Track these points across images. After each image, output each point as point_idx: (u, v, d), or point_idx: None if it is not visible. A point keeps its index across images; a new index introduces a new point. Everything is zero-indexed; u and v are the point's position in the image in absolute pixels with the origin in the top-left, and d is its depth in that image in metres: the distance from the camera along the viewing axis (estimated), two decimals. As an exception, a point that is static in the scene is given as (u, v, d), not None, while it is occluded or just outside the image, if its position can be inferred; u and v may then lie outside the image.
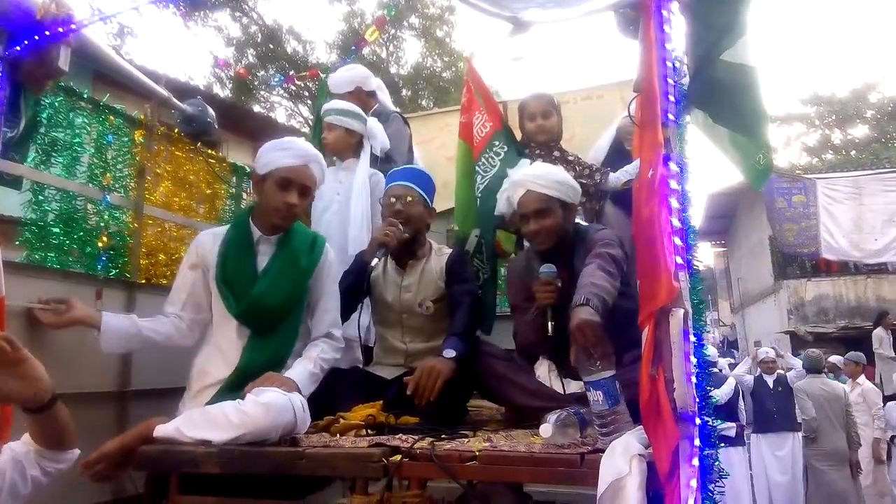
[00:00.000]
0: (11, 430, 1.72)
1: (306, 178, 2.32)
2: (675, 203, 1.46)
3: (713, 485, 1.74)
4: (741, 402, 7.42)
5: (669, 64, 1.50)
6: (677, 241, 1.44)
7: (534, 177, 2.53)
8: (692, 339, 1.43)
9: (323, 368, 2.33)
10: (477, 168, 3.33)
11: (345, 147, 3.25)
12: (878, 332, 9.77)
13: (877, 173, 13.65)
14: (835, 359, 8.74)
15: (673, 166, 1.47)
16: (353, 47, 4.46)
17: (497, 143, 3.31)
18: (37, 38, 1.99)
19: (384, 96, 3.75)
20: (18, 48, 1.99)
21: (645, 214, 1.46)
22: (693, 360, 1.43)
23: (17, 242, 2.21)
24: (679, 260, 1.44)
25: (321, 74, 4.10)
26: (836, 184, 13.15)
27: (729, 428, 7.02)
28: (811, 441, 6.70)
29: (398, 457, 1.77)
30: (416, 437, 1.91)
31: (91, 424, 2.30)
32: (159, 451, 1.91)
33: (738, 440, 7.16)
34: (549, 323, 2.30)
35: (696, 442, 1.40)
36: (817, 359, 7.38)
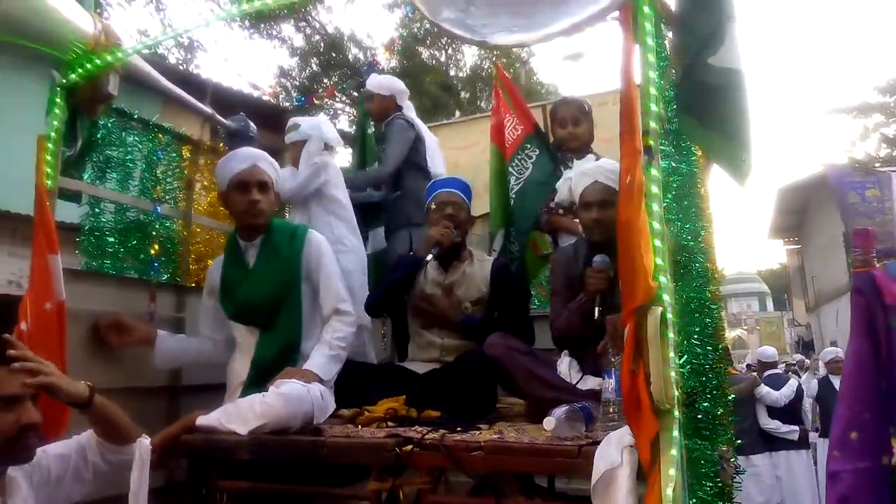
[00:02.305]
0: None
1: (259, 174, 2.52)
2: (655, 207, 1.54)
3: (715, 476, 1.82)
4: (805, 404, 7.14)
5: (652, 74, 1.58)
6: (656, 242, 1.51)
7: (603, 169, 2.65)
8: (671, 336, 1.50)
9: (341, 347, 2.48)
10: (510, 169, 3.42)
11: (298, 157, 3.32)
12: None
13: (959, 164, 12.96)
14: None
15: (654, 172, 1.55)
16: (367, 67, 4.61)
17: (529, 146, 3.38)
18: (89, 66, 2.22)
19: (410, 113, 3.81)
20: (73, 76, 2.23)
21: (623, 218, 1.54)
22: (672, 356, 1.50)
23: (76, 252, 2.45)
24: (659, 261, 1.51)
25: (337, 93, 4.29)
26: (913, 176, 12.56)
27: (791, 432, 6.77)
28: None
29: (410, 447, 1.90)
30: (430, 429, 2.04)
31: (146, 416, 2.52)
32: (200, 440, 2.11)
33: (800, 444, 6.81)
34: (597, 308, 2.43)
35: (675, 433, 1.47)
36: None
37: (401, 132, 3.60)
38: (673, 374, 1.49)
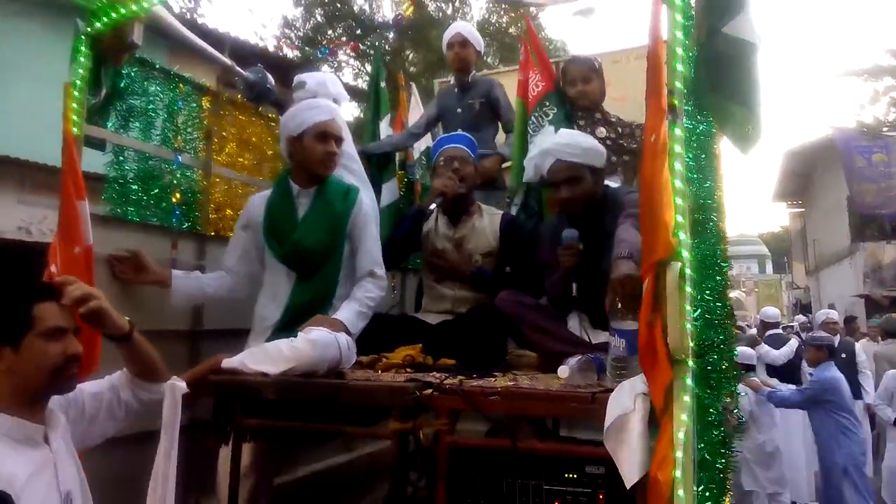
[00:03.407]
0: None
1: (338, 129, 2.63)
2: (678, 165, 1.59)
3: (720, 424, 1.91)
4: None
5: (678, 34, 1.61)
6: (677, 200, 1.56)
7: (563, 145, 2.63)
8: (688, 290, 1.56)
9: (370, 307, 2.57)
10: (528, 126, 3.45)
11: None
12: None
13: (967, 130, 12.88)
14: None
15: (678, 132, 1.59)
16: (391, 23, 4.57)
17: (548, 103, 3.36)
18: (114, 15, 2.24)
19: None
20: (98, 25, 2.25)
21: (647, 175, 1.59)
22: (689, 309, 1.56)
23: (102, 198, 2.50)
24: (679, 218, 1.56)
25: (361, 47, 4.29)
26: (921, 141, 12.51)
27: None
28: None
29: (429, 390, 1.98)
30: (449, 375, 2.13)
31: (167, 358, 2.60)
32: (226, 380, 2.19)
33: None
34: (573, 284, 2.49)
35: (688, 381, 1.54)
36: None
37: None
38: (689, 326, 1.56)
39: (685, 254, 1.57)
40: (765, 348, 6.92)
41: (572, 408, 1.86)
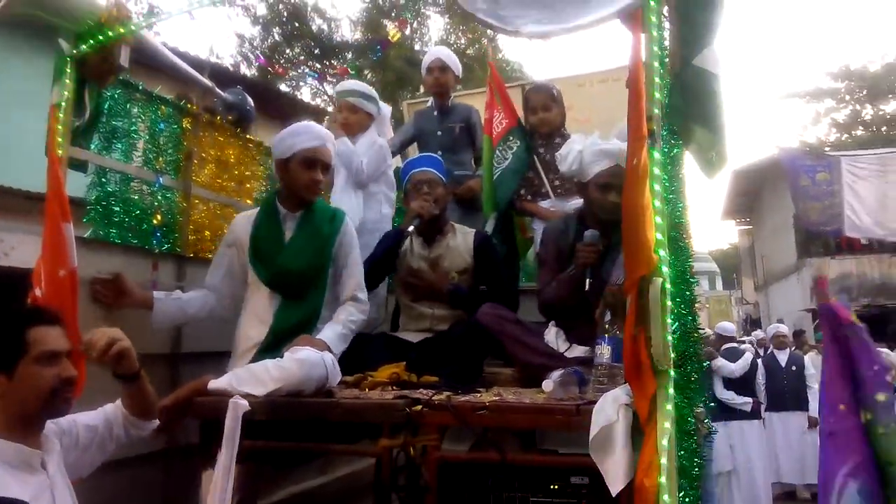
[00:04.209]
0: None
1: (326, 155, 2.66)
2: (657, 187, 1.69)
3: (694, 433, 2.01)
4: (759, 378, 7.49)
5: (656, 63, 1.72)
6: (657, 219, 1.66)
7: (622, 152, 2.60)
8: (668, 304, 1.66)
9: (352, 329, 2.61)
10: (494, 160, 3.64)
11: (360, 129, 3.47)
12: None
13: (903, 150, 13.55)
14: None
15: (656, 155, 1.70)
16: (378, 46, 4.69)
17: (511, 137, 3.64)
18: (100, 38, 2.26)
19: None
20: (84, 47, 2.27)
21: (629, 196, 1.69)
22: (670, 321, 1.66)
23: (84, 220, 2.50)
24: (659, 236, 1.67)
25: (350, 72, 4.38)
26: (860, 161, 13.11)
27: (745, 403, 7.12)
28: None
29: (419, 406, 2.04)
30: (435, 391, 2.18)
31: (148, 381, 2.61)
32: (213, 402, 2.18)
33: (753, 415, 7.18)
34: (588, 280, 2.56)
35: (670, 390, 1.64)
36: None
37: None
38: (669, 338, 1.66)
39: (665, 270, 1.67)
40: (721, 361, 7.14)
41: (558, 420, 1.94)
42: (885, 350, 7.20)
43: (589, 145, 2.75)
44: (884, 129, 22.34)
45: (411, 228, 3.02)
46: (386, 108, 3.65)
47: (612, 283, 2.26)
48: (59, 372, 1.63)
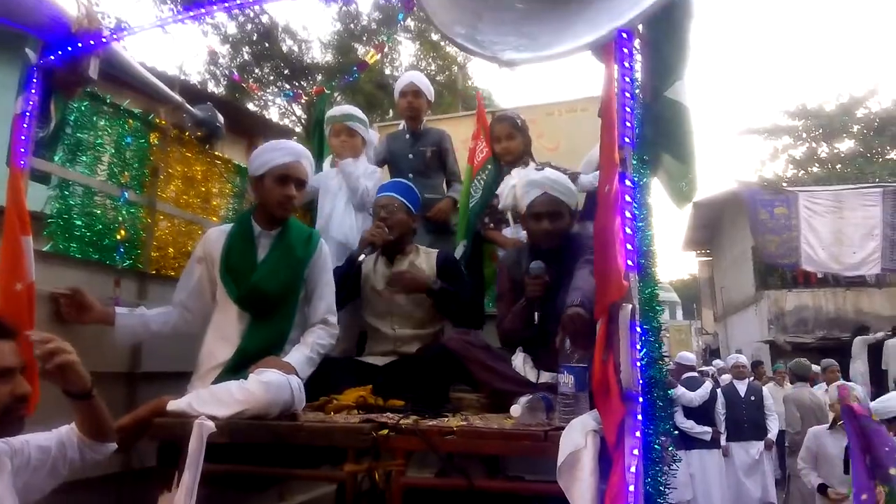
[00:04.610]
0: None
1: (300, 172, 2.62)
2: (627, 214, 1.72)
3: (660, 461, 2.02)
4: (719, 407, 7.57)
5: (627, 94, 1.76)
6: (629, 246, 1.68)
7: (552, 181, 2.79)
8: (638, 330, 1.68)
9: (319, 353, 2.57)
10: (472, 189, 3.71)
11: (355, 153, 3.58)
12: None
13: (857, 188, 14.01)
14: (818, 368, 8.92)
15: (627, 183, 1.72)
16: (356, 68, 4.72)
17: (489, 167, 3.70)
18: (70, 49, 2.22)
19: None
20: (52, 58, 2.22)
21: (601, 223, 1.71)
22: (639, 347, 1.67)
23: (44, 233, 2.43)
24: (629, 262, 1.68)
25: (326, 91, 4.39)
26: (817, 197, 13.49)
27: (704, 432, 7.19)
28: (794, 452, 6.63)
29: (386, 431, 2.01)
30: (402, 415, 2.16)
31: (103, 401, 2.52)
32: (173, 423, 2.13)
33: (713, 444, 7.24)
34: (536, 313, 2.59)
35: (639, 417, 1.64)
36: (806, 367, 7.54)
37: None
38: (638, 364, 1.67)
39: (635, 297, 1.69)
40: (681, 390, 7.20)
41: (526, 446, 1.93)
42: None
43: (520, 178, 2.84)
44: (838, 166, 23.06)
45: (362, 258, 3.01)
46: (374, 134, 3.73)
47: (569, 304, 2.26)
48: (11, 389, 1.57)
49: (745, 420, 7.43)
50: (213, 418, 2.09)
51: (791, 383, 8.08)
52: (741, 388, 7.67)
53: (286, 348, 2.53)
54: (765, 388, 7.92)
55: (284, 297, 2.57)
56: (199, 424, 1.85)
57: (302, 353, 2.49)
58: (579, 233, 2.91)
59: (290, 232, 2.65)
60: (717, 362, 8.71)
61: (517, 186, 2.87)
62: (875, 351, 10.83)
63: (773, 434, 7.47)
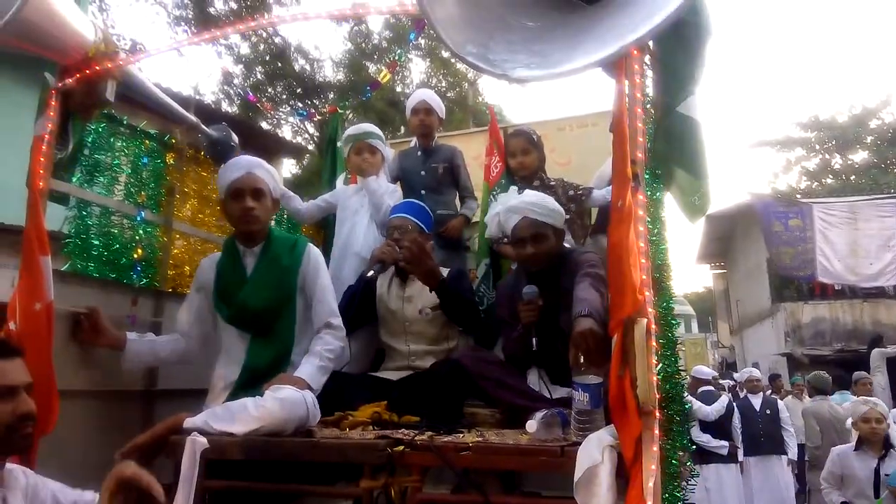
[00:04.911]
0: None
1: (254, 182, 2.58)
2: (641, 228, 1.72)
3: (678, 476, 2.00)
4: (735, 421, 7.47)
5: (639, 110, 1.77)
6: (642, 260, 1.68)
7: (530, 204, 2.76)
8: (654, 344, 1.67)
9: (329, 360, 2.57)
10: (489, 205, 3.70)
11: (375, 171, 3.63)
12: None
13: (872, 199, 13.92)
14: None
15: (640, 197, 1.73)
16: (368, 87, 4.76)
17: (503, 181, 3.69)
18: (87, 72, 2.26)
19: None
20: (70, 81, 2.27)
21: (615, 237, 1.71)
22: (654, 361, 1.67)
23: (63, 252, 2.46)
24: (644, 277, 1.68)
25: (339, 110, 4.43)
26: (832, 208, 13.41)
27: (721, 447, 7.11)
28: (814, 466, 6.61)
29: (401, 447, 2.00)
30: (417, 432, 2.15)
31: (121, 419, 2.55)
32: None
33: (729, 458, 7.14)
34: (534, 339, 2.57)
35: (656, 432, 1.64)
36: (825, 380, 7.43)
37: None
38: (655, 378, 1.66)
39: (650, 311, 1.69)
40: (697, 404, 7.14)
41: (542, 461, 1.92)
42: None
43: (501, 203, 2.84)
44: (852, 177, 22.92)
45: (371, 274, 3.00)
46: (389, 151, 3.77)
47: (576, 315, 2.23)
48: (13, 408, 1.58)
49: (762, 434, 7.35)
50: (229, 435, 2.11)
51: (810, 396, 7.98)
52: (756, 402, 7.58)
53: (294, 360, 2.54)
54: (780, 402, 7.84)
55: (278, 309, 2.58)
56: (192, 441, 1.85)
57: (312, 365, 2.49)
58: (573, 249, 2.90)
59: (274, 244, 2.65)
60: (736, 375, 8.61)
61: (500, 215, 2.86)
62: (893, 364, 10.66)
63: (793, 453, 7.36)
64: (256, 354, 2.52)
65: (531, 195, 2.87)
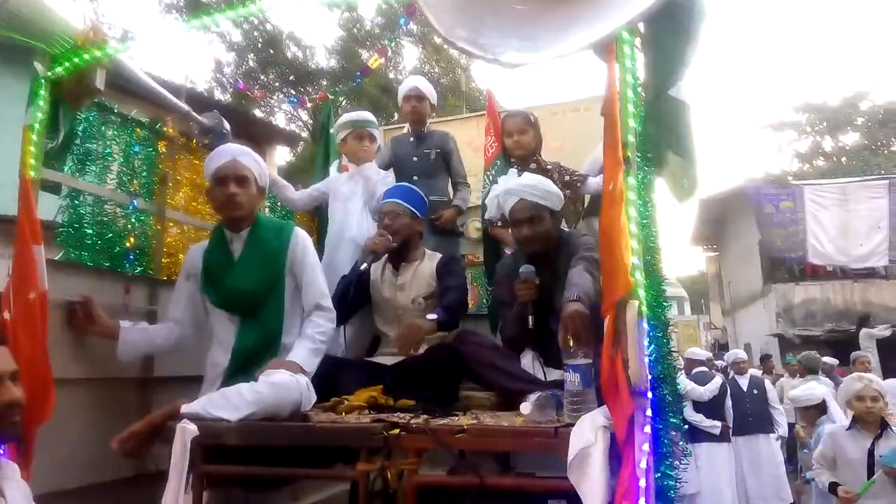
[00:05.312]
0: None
1: (238, 169, 2.58)
2: (632, 211, 1.73)
3: (671, 455, 2.03)
4: (728, 402, 7.53)
5: (630, 93, 1.78)
6: (633, 243, 1.70)
7: (527, 186, 2.79)
8: (645, 326, 1.69)
9: (322, 342, 2.57)
10: (483, 182, 3.75)
11: (373, 156, 3.70)
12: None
13: (863, 180, 13.96)
14: (830, 360, 8.86)
15: (631, 180, 1.74)
16: (359, 73, 4.74)
17: (499, 162, 3.71)
18: (77, 60, 2.25)
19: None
20: (60, 70, 2.25)
21: (606, 220, 1.72)
22: (646, 343, 1.69)
23: (56, 242, 2.46)
24: (635, 259, 1.70)
25: (330, 97, 4.42)
26: (823, 190, 13.47)
27: (713, 426, 7.18)
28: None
29: (397, 430, 2.03)
30: (413, 415, 2.18)
31: (118, 407, 2.56)
32: (186, 426, 2.16)
33: (722, 438, 7.18)
34: (530, 317, 2.60)
35: (648, 412, 1.66)
36: (815, 360, 7.49)
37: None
38: (647, 359, 1.68)
39: (641, 293, 1.70)
40: (691, 385, 7.19)
41: (536, 442, 1.94)
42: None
43: (501, 185, 2.86)
44: (843, 159, 23.01)
45: (364, 266, 3.03)
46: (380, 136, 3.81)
47: (566, 300, 2.26)
48: None
49: (750, 414, 7.42)
50: (225, 421, 2.13)
51: (801, 376, 8.05)
52: (743, 382, 7.65)
53: (284, 342, 2.54)
54: (768, 382, 7.91)
55: (265, 293, 2.58)
56: (182, 429, 1.87)
57: (305, 348, 2.50)
58: (571, 233, 2.93)
59: (261, 228, 2.65)
60: (728, 355, 8.69)
61: (499, 197, 2.88)
62: (886, 345, 10.75)
63: (783, 430, 7.44)
64: (246, 337, 2.53)
65: (529, 178, 2.89)
